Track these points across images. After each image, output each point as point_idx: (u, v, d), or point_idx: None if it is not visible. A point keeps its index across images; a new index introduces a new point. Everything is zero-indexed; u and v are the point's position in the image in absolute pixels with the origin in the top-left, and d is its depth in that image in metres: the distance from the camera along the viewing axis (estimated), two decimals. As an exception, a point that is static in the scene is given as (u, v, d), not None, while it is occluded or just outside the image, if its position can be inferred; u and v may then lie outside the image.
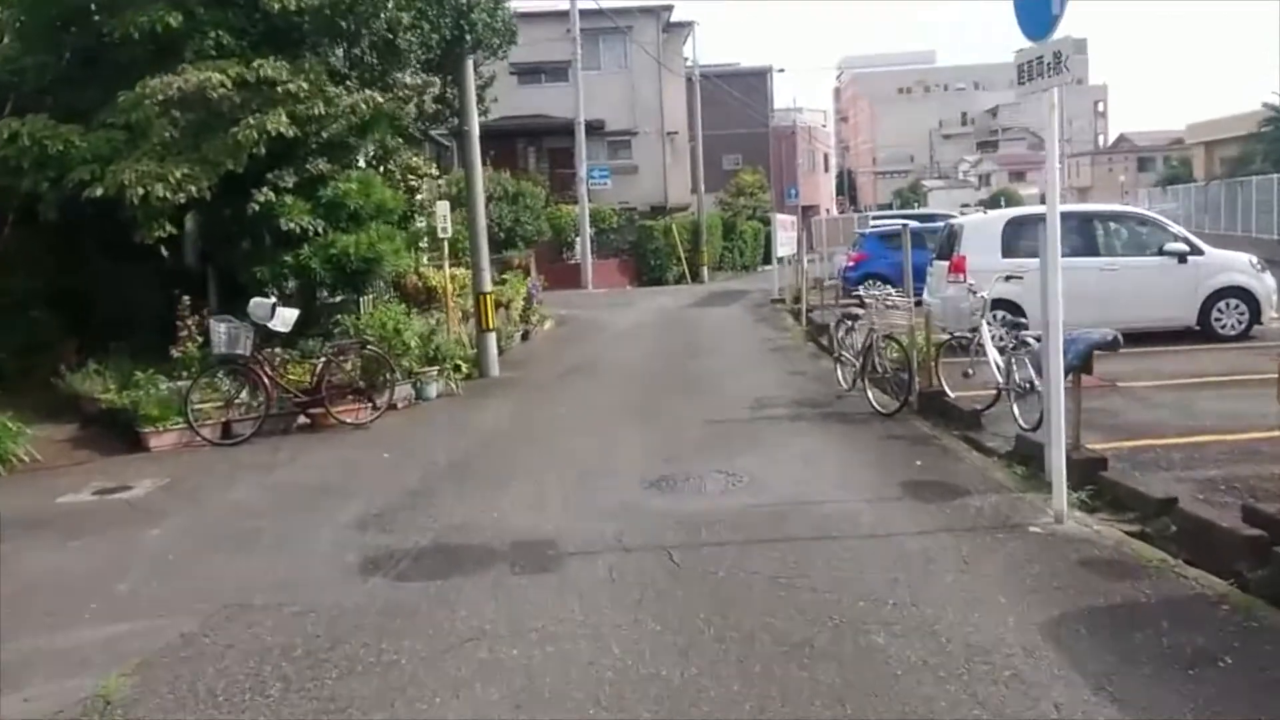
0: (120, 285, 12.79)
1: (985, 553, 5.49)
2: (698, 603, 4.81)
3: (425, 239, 14.38)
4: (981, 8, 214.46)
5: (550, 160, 36.18)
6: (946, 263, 14.27)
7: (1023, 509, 6.30)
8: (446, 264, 13.50)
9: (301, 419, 10.22)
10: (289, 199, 10.05)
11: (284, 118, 9.08)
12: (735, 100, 46.06)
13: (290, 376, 10.01)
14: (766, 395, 11.11)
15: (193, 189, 8.90)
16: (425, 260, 15.62)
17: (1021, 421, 8.39)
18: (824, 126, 76.86)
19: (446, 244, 13.49)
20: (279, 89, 9.16)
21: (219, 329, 9.36)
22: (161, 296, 11.16)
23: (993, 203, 67.56)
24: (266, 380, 9.53)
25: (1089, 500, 6.38)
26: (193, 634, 4.71)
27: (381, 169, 12.21)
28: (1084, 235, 13.81)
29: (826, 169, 72.04)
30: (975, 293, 9.44)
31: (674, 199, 38.00)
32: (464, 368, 13.24)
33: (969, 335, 9.51)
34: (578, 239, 31.94)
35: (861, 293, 10.48)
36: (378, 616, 4.82)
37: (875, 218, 30.58)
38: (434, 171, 13.22)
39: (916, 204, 77.07)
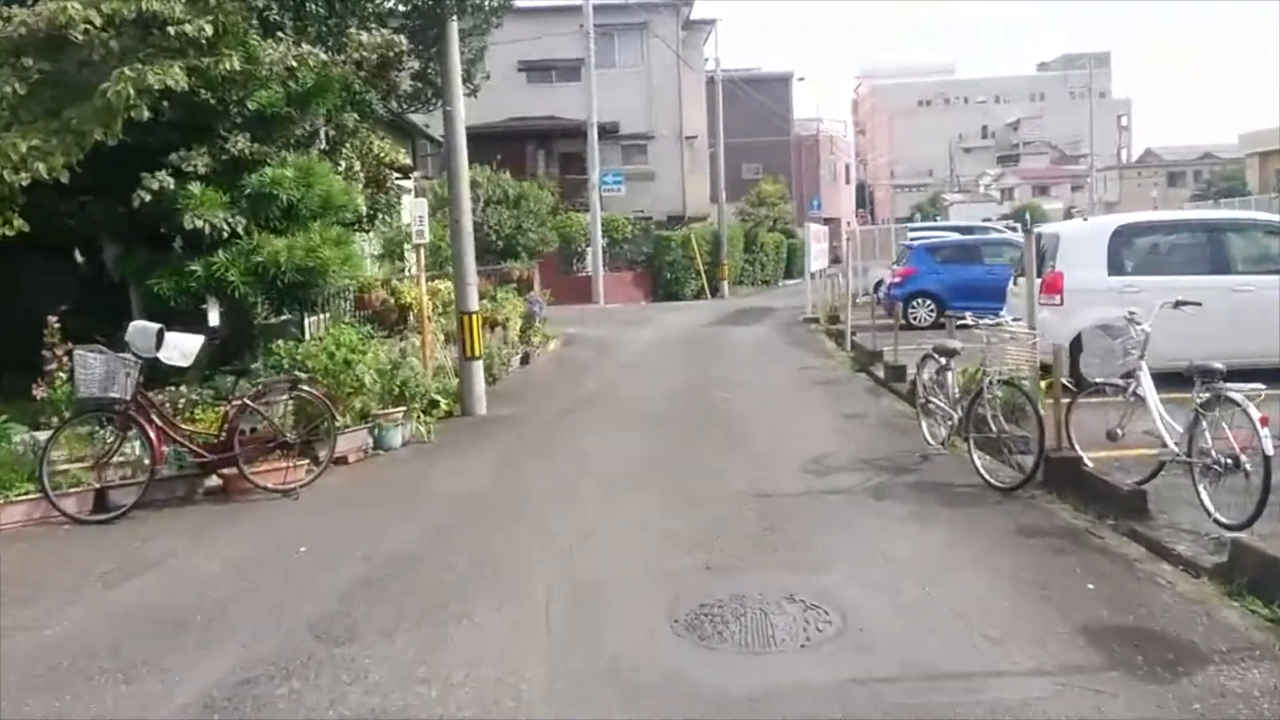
0: (20, 298, 10.32)
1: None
2: None
3: (407, 246, 11.85)
4: (993, 8, 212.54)
5: (560, 165, 33.76)
6: (1037, 280, 11.69)
7: (1331, 706, 3.69)
8: (422, 275, 10.93)
9: (215, 480, 7.66)
10: (196, 187, 7.51)
11: (178, 71, 6.55)
12: (756, 106, 43.61)
13: (191, 427, 7.45)
14: (826, 450, 8.50)
15: (41, 167, 6.36)
16: (408, 271, 13.12)
17: (1218, 514, 5.78)
18: (844, 137, 74.50)
19: (422, 251, 10.94)
20: (171, 31, 6.62)
21: (87, 363, 6.81)
22: (75, 312, 8.67)
23: (1017, 217, 64.91)
24: (153, 433, 6.95)
25: None
26: None
27: (342, 156, 9.65)
28: (1210, 249, 11.22)
29: (848, 180, 69.54)
30: (1136, 324, 6.82)
31: (692, 208, 35.48)
32: (443, 404, 10.68)
33: (1120, 382, 6.91)
34: (589, 250, 29.47)
35: (970, 321, 7.86)
36: None
37: (913, 229, 27.96)
38: (403, 159, 10.65)
39: (937, 217, 74.74)
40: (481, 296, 15.07)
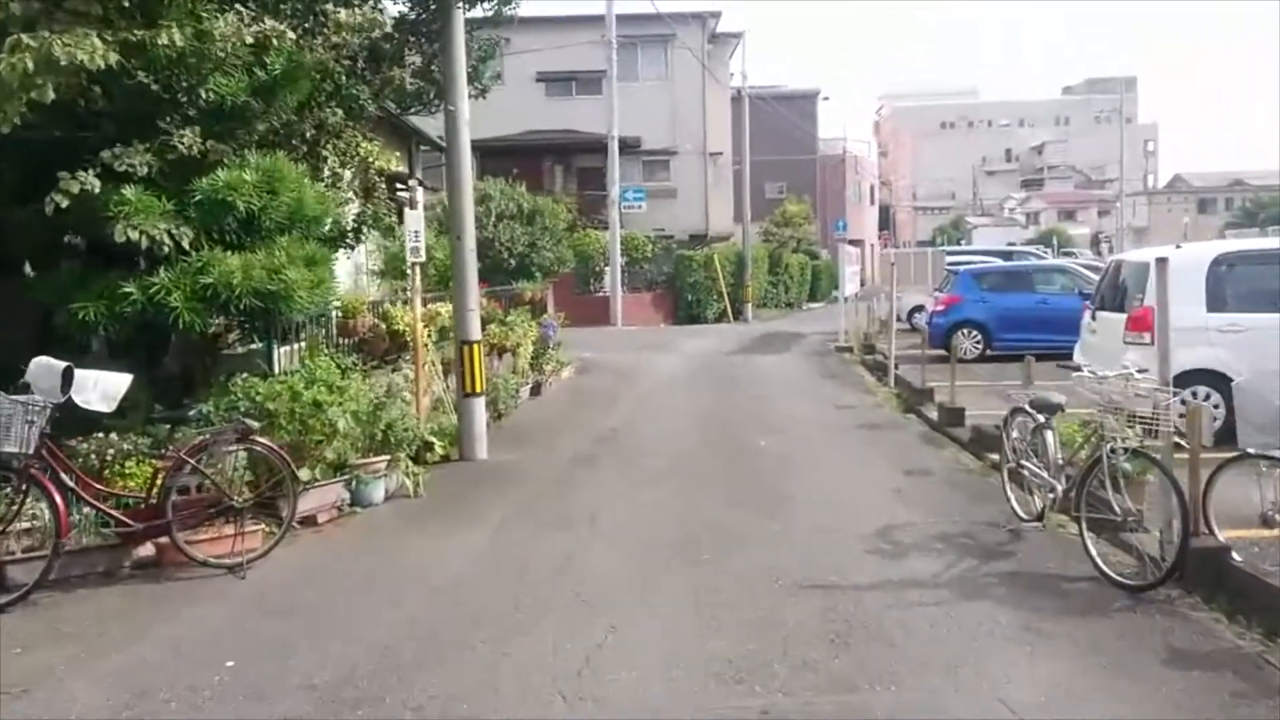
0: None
1: None
2: None
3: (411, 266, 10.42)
4: (991, 9, 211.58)
5: (579, 181, 32.51)
6: (1119, 315, 10.21)
7: None
8: (417, 298, 9.53)
9: (150, 548, 6.26)
10: (131, 191, 6.13)
11: (96, 43, 5.20)
12: (780, 124, 42.28)
13: (111, 488, 6.04)
14: (889, 520, 7.04)
15: (-88, 162, 5.03)
16: (403, 291, 11.73)
17: None
18: (868, 157, 73.21)
19: (418, 270, 9.55)
20: (91, -6, 5.26)
21: (-22, 408, 5.43)
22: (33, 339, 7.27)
23: (1044, 242, 63.54)
24: (58, 496, 5.54)
25: None
26: None
27: (326, 163, 8.29)
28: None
29: (872, 201, 68.11)
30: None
31: (715, 227, 34.10)
32: (439, 446, 9.29)
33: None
34: (606, 269, 28.12)
35: (1085, 371, 6.31)
36: None
37: (950, 253, 26.37)
38: (395, 165, 9.27)
39: (961, 240, 73.46)
40: (490, 320, 13.70)
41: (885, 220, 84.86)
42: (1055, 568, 5.94)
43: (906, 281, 22.03)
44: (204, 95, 6.47)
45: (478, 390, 9.49)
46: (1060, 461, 6.37)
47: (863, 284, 27.86)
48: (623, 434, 11.14)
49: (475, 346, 9.46)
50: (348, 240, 8.63)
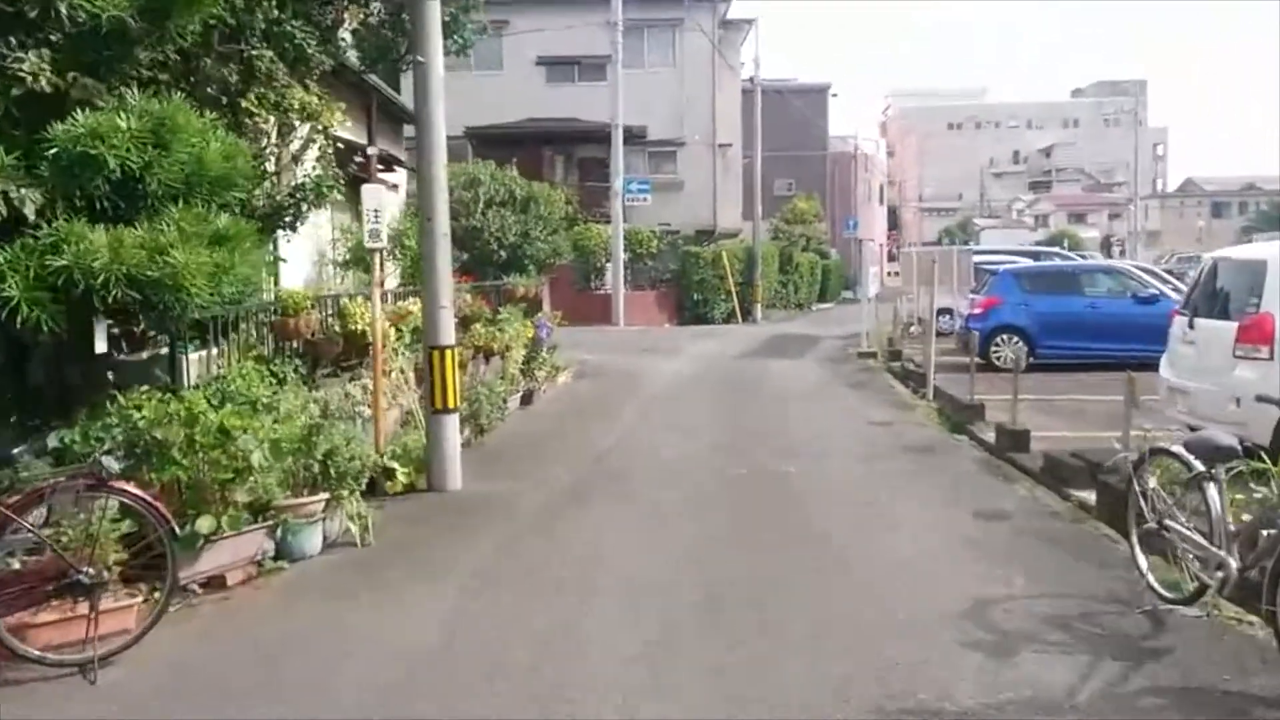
0: None
1: None
2: None
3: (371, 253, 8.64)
4: (985, 9, 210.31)
5: (581, 171, 30.83)
6: (1226, 324, 8.45)
7: None
8: (377, 293, 7.78)
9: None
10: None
11: None
12: (792, 118, 40.52)
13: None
14: (975, 590, 5.32)
15: None
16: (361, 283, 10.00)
17: None
18: (877, 155, 71.59)
19: (379, 258, 7.82)
20: None
21: None
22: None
23: (1054, 243, 61.78)
24: None
25: None
26: None
27: (251, 113, 6.54)
28: None
29: (881, 201, 66.44)
30: None
31: (723, 223, 32.36)
32: (401, 474, 7.59)
33: None
34: (608, 265, 26.41)
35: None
36: None
37: (978, 252, 24.58)
38: (340, 122, 7.49)
39: (969, 241, 71.84)
40: (476, 319, 11.99)
41: (893, 220, 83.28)
42: (1236, 680, 4.22)
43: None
44: (67, 13, 4.73)
45: (450, 406, 7.76)
46: (1231, 528, 4.63)
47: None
48: (625, 456, 9.41)
49: (448, 353, 7.72)
50: (285, 218, 6.89)
